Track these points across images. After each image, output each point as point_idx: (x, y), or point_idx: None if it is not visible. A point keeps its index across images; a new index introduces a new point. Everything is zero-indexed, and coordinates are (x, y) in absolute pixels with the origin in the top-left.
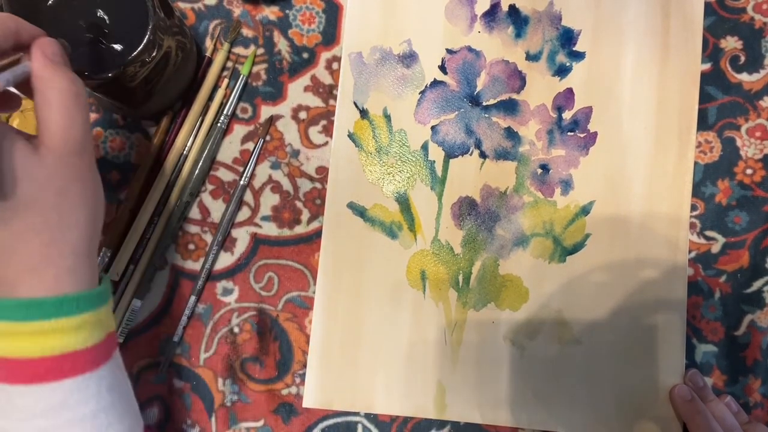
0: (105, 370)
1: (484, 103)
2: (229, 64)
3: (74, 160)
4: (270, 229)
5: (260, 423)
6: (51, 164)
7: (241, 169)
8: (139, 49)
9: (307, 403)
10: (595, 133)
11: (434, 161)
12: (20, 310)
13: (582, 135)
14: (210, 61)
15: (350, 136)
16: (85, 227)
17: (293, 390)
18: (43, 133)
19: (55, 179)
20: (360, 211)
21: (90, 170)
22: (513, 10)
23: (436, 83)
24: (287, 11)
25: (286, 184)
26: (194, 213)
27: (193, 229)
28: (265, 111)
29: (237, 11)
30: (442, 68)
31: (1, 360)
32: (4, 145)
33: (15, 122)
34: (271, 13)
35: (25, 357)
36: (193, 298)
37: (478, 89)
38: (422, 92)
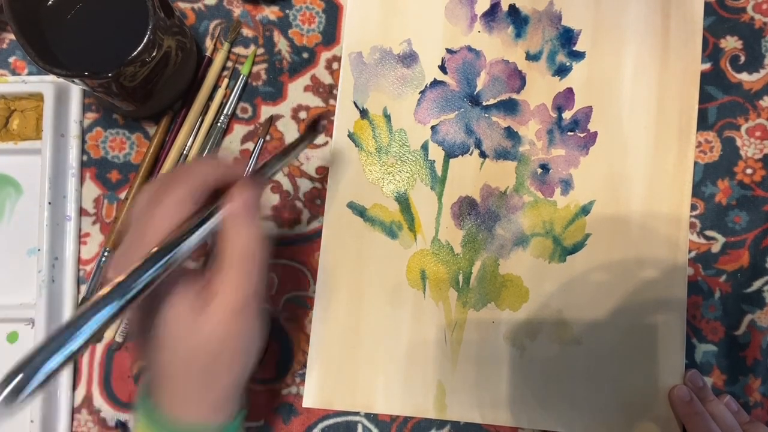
0: None
1: (484, 103)
2: (229, 64)
3: (236, 319)
4: (270, 229)
5: (260, 423)
6: (209, 331)
7: None
8: (139, 49)
9: (307, 403)
10: (595, 133)
11: (434, 161)
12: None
13: (582, 135)
14: (210, 61)
15: (350, 135)
16: (237, 375)
17: (293, 390)
18: (216, 288)
19: (210, 343)
20: (360, 211)
21: (251, 327)
22: (513, 9)
23: (436, 83)
24: (287, 11)
25: (286, 184)
26: None
27: None
28: (265, 111)
29: (237, 11)
30: (442, 68)
31: None
32: (170, 308)
33: (15, 122)
34: (271, 13)
35: None
36: None
37: (478, 89)
38: (422, 92)
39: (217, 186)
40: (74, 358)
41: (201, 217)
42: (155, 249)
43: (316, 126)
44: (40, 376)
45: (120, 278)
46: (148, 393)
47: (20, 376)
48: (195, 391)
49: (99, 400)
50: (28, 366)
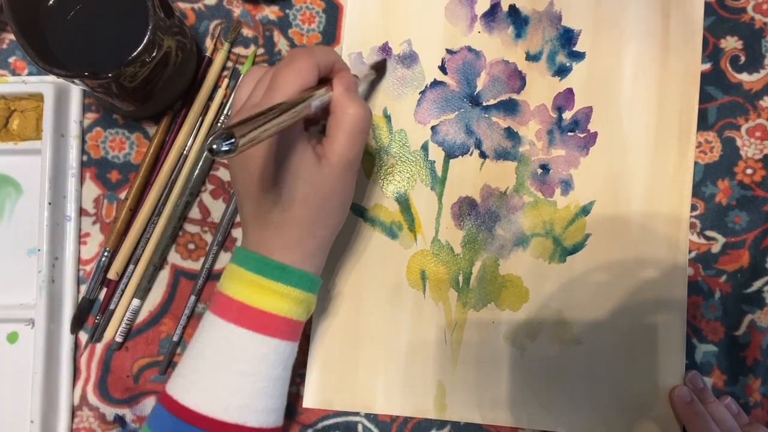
0: (294, 347)
1: (484, 103)
2: (229, 64)
3: (343, 174)
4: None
5: None
6: (326, 174)
7: None
8: (139, 49)
9: (307, 403)
10: (595, 133)
11: (434, 161)
12: (275, 271)
13: (582, 135)
14: (210, 61)
15: None
16: (332, 228)
17: (293, 389)
18: (328, 147)
19: (325, 186)
20: (360, 211)
21: (351, 184)
22: (513, 10)
23: (436, 83)
24: (287, 11)
25: None
26: (194, 213)
27: (193, 228)
28: None
29: (237, 11)
30: (442, 68)
31: (237, 304)
32: (298, 152)
33: (15, 122)
34: (271, 12)
35: (258, 308)
36: (193, 298)
37: (478, 89)
38: (422, 92)
39: (326, 71)
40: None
41: (317, 90)
42: (295, 97)
43: (383, 64)
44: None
45: (281, 102)
46: (246, 247)
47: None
48: (299, 235)
49: (99, 400)
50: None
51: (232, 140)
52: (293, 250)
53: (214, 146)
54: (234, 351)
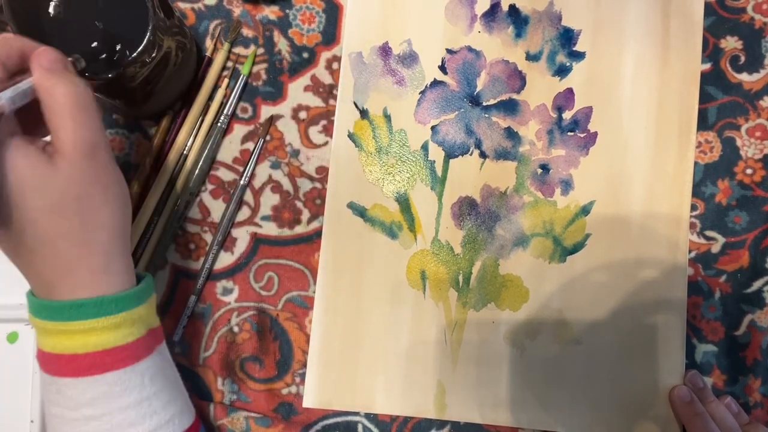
0: (147, 363)
1: (484, 103)
2: (229, 64)
3: (88, 163)
4: (270, 229)
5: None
6: (66, 170)
7: (241, 168)
8: (139, 49)
9: (307, 402)
10: (595, 133)
11: (434, 161)
12: (63, 312)
13: (582, 135)
14: (210, 61)
15: (350, 136)
16: (111, 227)
17: (293, 389)
18: (55, 141)
19: (71, 185)
20: (360, 211)
21: (107, 170)
22: (513, 10)
23: (436, 83)
24: (287, 11)
25: (286, 184)
26: (194, 213)
27: (193, 228)
28: (265, 111)
29: (237, 11)
30: (442, 68)
31: (49, 355)
32: (18, 158)
33: None
34: (271, 12)
35: (70, 353)
36: (193, 298)
37: (478, 89)
38: (422, 92)
39: (16, 62)
40: None
41: (14, 82)
42: None
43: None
44: None
45: None
46: (32, 291)
47: None
48: (69, 258)
49: None
50: None
51: None
52: (73, 277)
53: None
54: (73, 401)
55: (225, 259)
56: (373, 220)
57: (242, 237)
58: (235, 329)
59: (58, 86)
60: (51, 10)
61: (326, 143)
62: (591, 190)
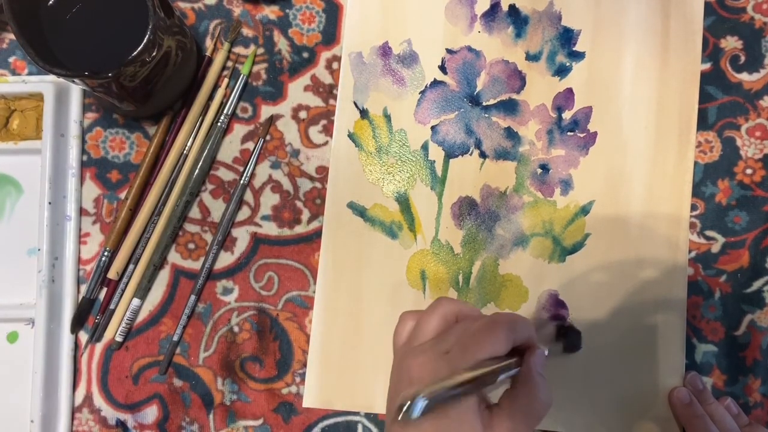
0: None
1: (484, 103)
2: (229, 63)
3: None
4: (270, 229)
5: (259, 422)
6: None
7: (241, 168)
8: (139, 49)
9: (307, 402)
10: (595, 133)
11: (434, 161)
12: None
13: (582, 135)
14: (210, 61)
15: (350, 136)
16: None
17: (293, 389)
18: (497, 422)
19: None
20: (360, 211)
21: None
22: (513, 10)
23: (436, 83)
24: (287, 11)
25: (286, 184)
26: (194, 212)
27: (193, 228)
28: (265, 111)
29: (237, 11)
30: (442, 68)
31: None
32: (467, 418)
33: (15, 122)
34: (271, 12)
35: None
36: (193, 298)
37: (478, 89)
38: (422, 92)
39: (518, 344)
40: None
41: (508, 362)
42: (478, 372)
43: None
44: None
45: (471, 374)
46: None
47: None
48: None
49: (99, 400)
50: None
51: (426, 403)
52: None
53: (409, 410)
54: None
55: (225, 259)
56: (373, 220)
57: (242, 237)
58: (235, 329)
59: (541, 392)
60: (52, 9)
61: (326, 143)
62: (591, 190)
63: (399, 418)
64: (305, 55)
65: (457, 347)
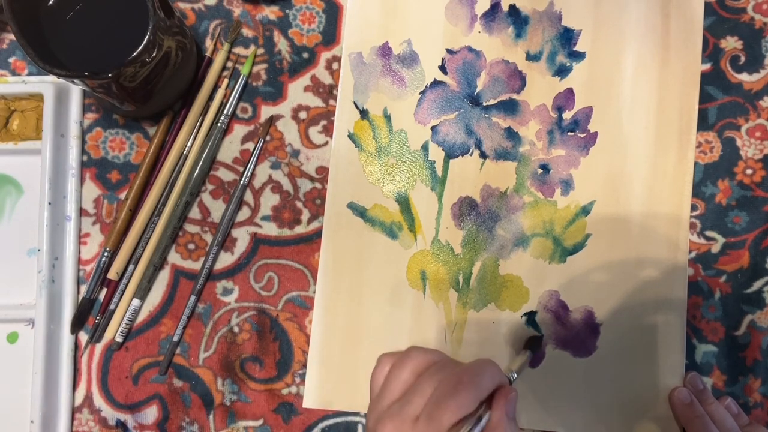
0: None
1: (484, 103)
2: (229, 64)
3: None
4: (270, 229)
5: (260, 422)
6: None
7: (241, 168)
8: (139, 49)
9: (307, 403)
10: (595, 133)
11: (434, 161)
12: None
13: (582, 135)
14: (210, 61)
15: (350, 136)
16: None
17: (293, 389)
18: None
19: None
20: (360, 212)
21: None
22: (513, 10)
23: (436, 83)
24: (287, 11)
25: (286, 184)
26: (194, 213)
27: (193, 228)
28: (265, 111)
29: (237, 11)
30: (442, 68)
31: None
32: None
33: (15, 122)
34: (271, 12)
35: None
36: (193, 298)
37: (478, 89)
38: (422, 92)
39: (489, 392)
40: None
41: (477, 414)
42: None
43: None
44: None
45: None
46: None
47: None
48: None
49: (99, 400)
50: None
51: None
52: None
53: None
54: None
55: (225, 259)
56: (373, 221)
57: (242, 237)
58: (235, 329)
59: None
60: (52, 9)
61: (326, 143)
62: (591, 190)
63: None
64: (305, 55)
65: (424, 416)
